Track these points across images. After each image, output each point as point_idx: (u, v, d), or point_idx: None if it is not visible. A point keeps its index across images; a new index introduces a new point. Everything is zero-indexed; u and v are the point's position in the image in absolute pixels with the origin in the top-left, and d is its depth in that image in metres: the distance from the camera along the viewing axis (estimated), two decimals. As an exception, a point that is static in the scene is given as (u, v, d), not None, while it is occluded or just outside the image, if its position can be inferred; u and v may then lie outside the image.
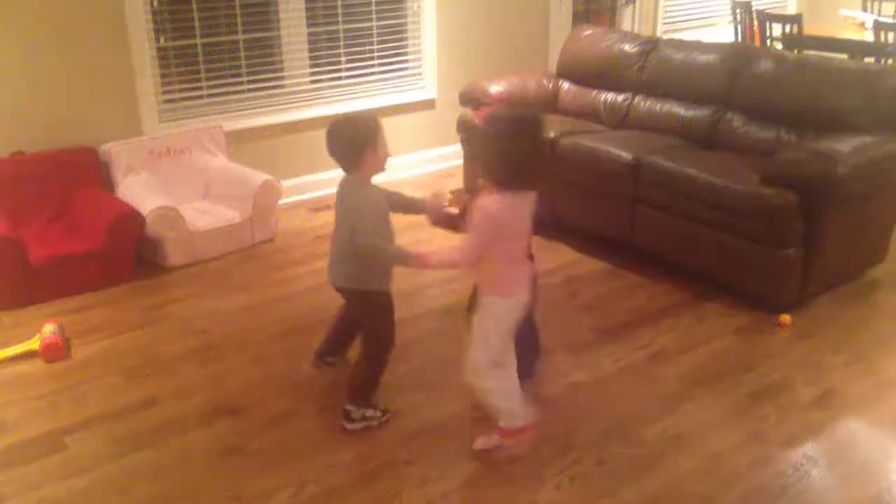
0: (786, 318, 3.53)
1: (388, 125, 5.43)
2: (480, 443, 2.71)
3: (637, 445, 2.74)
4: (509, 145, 2.37)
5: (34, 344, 3.33)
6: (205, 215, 4.39)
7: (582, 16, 6.64)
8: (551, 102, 5.12)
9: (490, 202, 2.39)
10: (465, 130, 4.95)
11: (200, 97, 4.79)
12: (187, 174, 4.58)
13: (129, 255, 4.03)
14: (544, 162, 2.67)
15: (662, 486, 2.54)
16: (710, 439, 2.77)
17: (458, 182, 5.24)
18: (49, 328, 3.39)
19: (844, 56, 5.41)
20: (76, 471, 2.64)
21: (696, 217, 3.76)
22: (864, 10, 7.05)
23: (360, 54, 5.36)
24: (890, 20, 6.11)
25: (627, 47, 4.84)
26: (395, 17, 5.48)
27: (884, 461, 2.67)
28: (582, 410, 2.95)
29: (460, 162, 5.13)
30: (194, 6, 4.61)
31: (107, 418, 2.93)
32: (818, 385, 3.08)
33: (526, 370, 2.89)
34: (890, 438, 2.78)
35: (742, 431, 2.81)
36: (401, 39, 5.55)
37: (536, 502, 2.48)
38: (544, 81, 5.17)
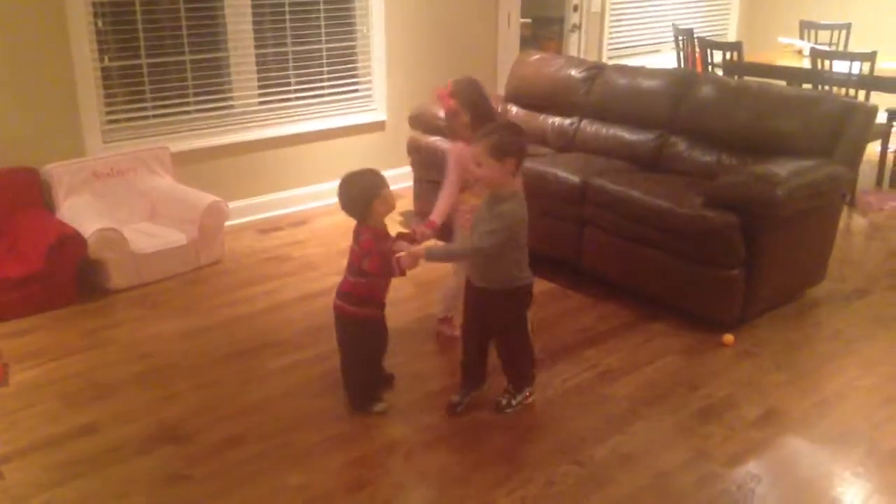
0: (729, 337, 3.60)
1: (338, 147, 5.51)
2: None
3: (586, 465, 2.76)
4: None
5: (-31, 370, 3.22)
6: (149, 237, 4.31)
7: (529, 41, 6.75)
8: (500, 125, 5.16)
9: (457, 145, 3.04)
10: (416, 152, 4.97)
11: (146, 118, 4.72)
12: (132, 195, 4.50)
13: (71, 277, 3.93)
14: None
15: (612, 505, 2.56)
16: (658, 458, 2.80)
17: (407, 203, 5.24)
18: (-15, 353, 3.28)
19: (783, 82, 5.58)
20: (13, 500, 2.55)
21: (642, 238, 3.82)
22: (801, 38, 7.29)
23: (310, 76, 5.35)
24: (826, 48, 6.32)
25: (574, 72, 4.92)
26: (345, 40, 5.49)
27: (826, 477, 2.72)
28: (532, 431, 2.96)
29: (410, 184, 5.14)
30: (139, 26, 4.56)
31: (45, 446, 2.84)
32: (761, 403, 3.14)
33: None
34: (831, 455, 2.84)
35: (688, 450, 2.84)
36: (350, 62, 5.56)
37: (486, 524, 2.47)
38: (493, 105, 5.21)
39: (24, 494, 2.59)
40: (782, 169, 3.62)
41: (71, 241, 3.86)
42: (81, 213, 4.12)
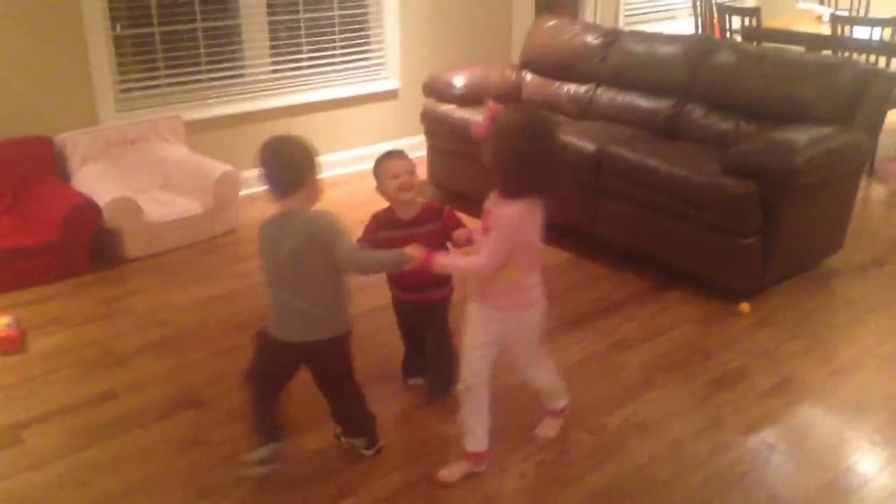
0: (745, 306, 3.58)
1: (350, 116, 5.48)
2: (445, 475, 2.54)
3: (601, 433, 2.76)
4: (520, 149, 2.26)
5: (-12, 337, 3.25)
6: (163, 206, 4.31)
7: (545, 7, 6.66)
8: (515, 93, 5.13)
9: (513, 209, 2.30)
10: (430, 121, 4.93)
11: (158, 86, 4.71)
12: (145, 164, 4.50)
13: (86, 246, 3.95)
14: (559, 166, 2.50)
15: (625, 472, 2.57)
16: (672, 426, 2.80)
17: (421, 173, 5.20)
18: (4, 321, 3.32)
19: (802, 49, 5.49)
20: (33, 465, 2.59)
21: (659, 207, 3.80)
22: (821, 3, 7.17)
23: (322, 44, 5.31)
24: (846, 13, 6.21)
25: (590, 39, 4.86)
26: (358, 7, 5.44)
27: (840, 446, 2.72)
28: (546, 399, 2.96)
29: (424, 153, 5.11)
30: (152, -7, 4.53)
31: (64, 412, 2.88)
32: (776, 372, 3.13)
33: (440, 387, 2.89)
34: (846, 424, 2.84)
35: (703, 418, 2.84)
36: (363, 29, 5.51)
37: (501, 490, 2.48)
38: (507, 72, 5.17)
39: (45, 459, 2.62)
40: (801, 136, 3.58)
41: (86, 210, 3.87)
42: (96, 182, 4.13)
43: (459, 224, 2.84)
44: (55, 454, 2.65)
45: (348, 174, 5.34)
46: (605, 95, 4.71)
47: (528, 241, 2.39)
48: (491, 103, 2.37)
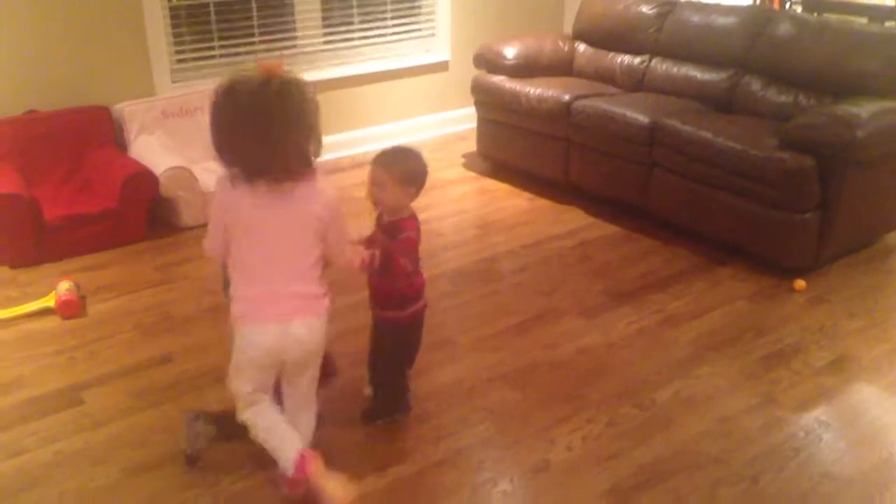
0: (800, 283, 3.51)
1: (401, 88, 5.47)
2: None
3: (649, 407, 2.75)
4: (217, 111, 1.99)
5: (50, 301, 3.35)
6: (217, 176, 4.36)
7: (598, -23, 6.53)
8: (567, 65, 5.07)
9: (218, 179, 2.03)
10: (480, 92, 4.91)
11: (213, 57, 4.76)
12: (200, 134, 4.52)
13: (143, 214, 4.03)
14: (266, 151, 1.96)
15: (673, 447, 2.55)
16: (722, 402, 2.77)
17: (470, 145, 5.20)
18: (65, 286, 3.41)
19: (865, 19, 5.31)
20: (93, 424, 2.67)
21: (712, 181, 3.73)
22: (887, -27, 6.91)
23: (373, 15, 5.31)
24: (913, -16, 5.98)
25: (645, 9, 4.76)
26: (409, -22, 5.42)
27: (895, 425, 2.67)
28: (594, 373, 2.96)
29: (474, 125, 5.09)
30: (207, -36, 4.57)
31: (122, 374, 2.96)
32: (832, 350, 3.07)
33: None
34: (903, 403, 2.78)
35: (754, 395, 2.81)
36: (414, 0, 5.48)
37: (548, 462, 2.49)
38: (560, 43, 5.11)
39: (105, 419, 2.70)
40: (863, 110, 3.47)
41: (143, 178, 3.95)
42: (152, 152, 4.21)
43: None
44: (113, 415, 2.73)
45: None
46: (660, 67, 4.62)
47: (236, 231, 2.05)
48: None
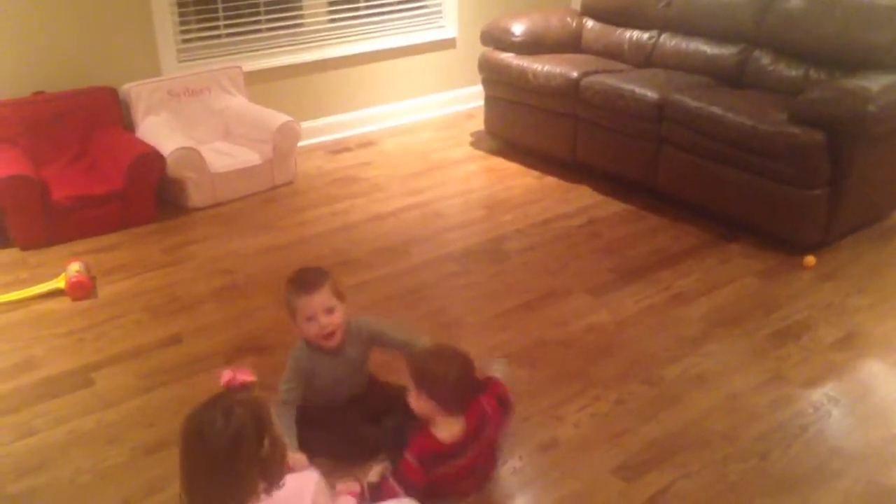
0: (810, 259, 3.49)
1: (408, 65, 5.44)
2: None
3: (657, 384, 2.75)
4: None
5: (60, 282, 3.37)
6: (225, 157, 4.37)
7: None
8: (575, 41, 5.03)
9: None
10: (488, 70, 4.88)
11: (219, 37, 4.74)
12: (206, 115, 4.56)
13: (151, 195, 4.04)
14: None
15: (682, 424, 2.55)
16: (731, 379, 2.77)
17: (478, 123, 5.18)
18: (75, 267, 3.42)
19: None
20: (104, 405, 2.69)
21: (722, 157, 3.70)
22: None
23: (380, -8, 5.28)
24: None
25: (653, -17, 4.71)
26: (415, -46, 5.37)
27: (906, 401, 2.66)
28: (602, 350, 2.96)
29: (481, 103, 5.06)
30: (211, -57, 4.54)
31: (133, 355, 2.98)
32: (841, 326, 3.06)
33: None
34: (912, 379, 2.77)
35: (763, 372, 2.80)
36: (420, -23, 5.44)
37: (556, 439, 2.50)
38: (568, 20, 5.06)
39: (115, 399, 2.72)
40: (874, 84, 3.43)
41: (150, 159, 3.95)
42: (159, 132, 4.20)
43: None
44: (124, 395, 2.75)
45: (404, 124, 5.34)
46: (669, 42, 4.58)
47: None
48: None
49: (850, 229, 3.71)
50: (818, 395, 2.68)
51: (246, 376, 1.80)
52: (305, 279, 2.35)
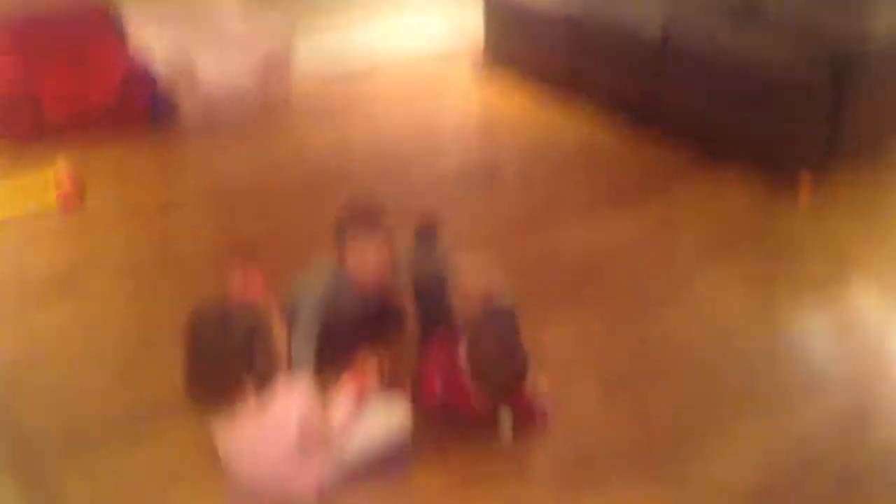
0: (806, 187, 3.44)
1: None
2: None
3: (646, 310, 2.73)
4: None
5: (50, 193, 3.36)
6: (219, 74, 4.29)
7: None
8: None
9: None
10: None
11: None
12: (202, 28, 4.47)
13: (143, 107, 4.00)
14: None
15: (670, 353, 2.53)
16: (722, 309, 2.74)
17: (478, 47, 5.05)
18: (63, 176, 3.40)
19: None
20: (94, 310, 2.70)
21: (723, 83, 3.63)
22: None
23: None
24: None
25: None
26: None
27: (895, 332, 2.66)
28: (593, 275, 2.93)
29: (482, 25, 4.93)
30: None
31: (121, 262, 2.99)
32: (834, 257, 3.04)
33: None
34: (902, 310, 2.77)
35: (754, 301, 2.79)
36: None
37: (541, 359, 2.48)
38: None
39: (105, 305, 2.74)
40: (880, 5, 3.34)
41: (143, 72, 3.89)
42: (153, 43, 4.12)
43: None
44: (114, 300, 2.77)
45: (401, 52, 5.23)
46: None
47: None
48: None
49: (848, 160, 3.57)
50: (808, 325, 2.67)
51: (255, 288, 1.87)
52: (370, 219, 2.21)
